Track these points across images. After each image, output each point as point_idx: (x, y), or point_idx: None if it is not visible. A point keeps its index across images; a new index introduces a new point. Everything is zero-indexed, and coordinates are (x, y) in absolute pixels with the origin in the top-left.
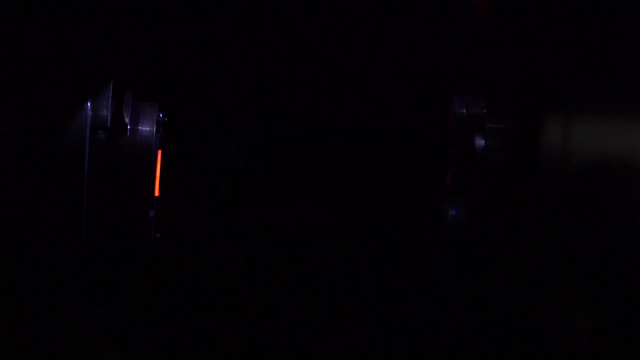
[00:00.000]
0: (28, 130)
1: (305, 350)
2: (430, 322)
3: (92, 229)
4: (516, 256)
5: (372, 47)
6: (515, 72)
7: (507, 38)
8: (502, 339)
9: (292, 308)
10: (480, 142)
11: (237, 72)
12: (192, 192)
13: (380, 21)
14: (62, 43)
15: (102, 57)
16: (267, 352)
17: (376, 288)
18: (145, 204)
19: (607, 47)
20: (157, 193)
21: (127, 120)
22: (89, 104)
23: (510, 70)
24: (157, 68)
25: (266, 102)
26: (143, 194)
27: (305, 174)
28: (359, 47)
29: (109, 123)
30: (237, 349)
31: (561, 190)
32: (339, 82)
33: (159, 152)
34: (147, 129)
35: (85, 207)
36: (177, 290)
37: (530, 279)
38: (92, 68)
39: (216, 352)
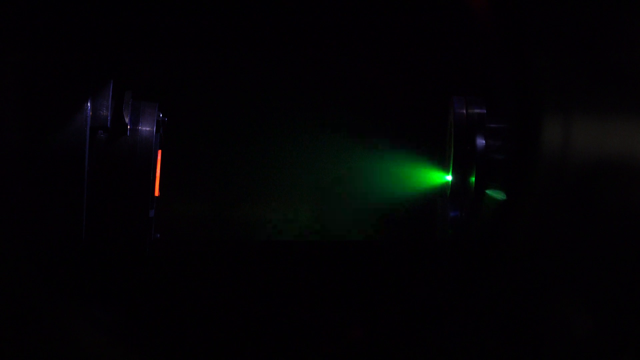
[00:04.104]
0: (28, 130)
1: (306, 350)
2: (431, 323)
3: (92, 229)
4: (516, 256)
5: (372, 47)
6: (515, 72)
7: (507, 38)
8: (502, 339)
9: (292, 308)
10: (480, 142)
11: (237, 72)
12: (192, 192)
13: (380, 21)
14: (62, 43)
15: (102, 57)
16: (267, 352)
17: (376, 288)
18: (145, 204)
19: (607, 47)
20: (157, 193)
21: (127, 120)
22: (89, 104)
23: (510, 70)
24: (157, 68)
25: (265, 101)
26: (143, 194)
27: (304, 172)
28: (359, 47)
29: (109, 123)
30: (237, 349)
31: (561, 190)
32: (338, 82)
33: (159, 152)
34: (147, 129)
35: (85, 207)
36: (178, 290)
37: (530, 279)
38: (92, 68)
39: (216, 352)
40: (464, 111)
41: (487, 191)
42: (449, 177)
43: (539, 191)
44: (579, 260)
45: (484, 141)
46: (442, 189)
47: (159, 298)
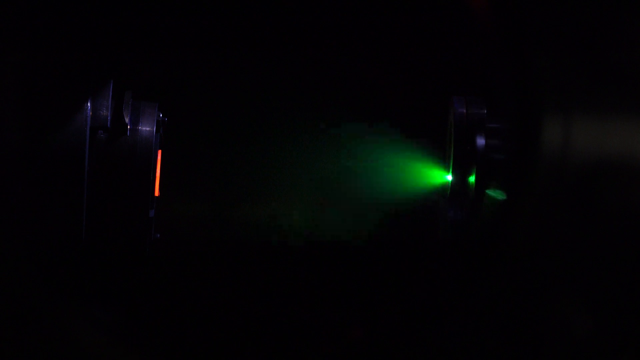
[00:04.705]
0: (28, 130)
1: (306, 350)
2: (430, 323)
3: (92, 229)
4: (516, 256)
5: (372, 47)
6: (515, 72)
7: (507, 38)
8: (502, 339)
9: (292, 308)
10: (480, 142)
11: (237, 72)
12: (192, 192)
13: (380, 21)
14: (62, 43)
15: (102, 57)
16: (267, 352)
17: (376, 288)
18: (145, 204)
19: (607, 47)
20: (157, 193)
21: (127, 120)
22: (89, 104)
23: (510, 70)
24: (157, 68)
25: (265, 101)
26: (143, 194)
27: (304, 172)
28: (359, 47)
29: (109, 123)
30: (237, 349)
31: (561, 190)
32: (338, 82)
33: (159, 152)
34: (147, 129)
35: (85, 207)
36: (178, 290)
37: (530, 279)
38: (92, 68)
39: (216, 352)
40: (464, 111)
41: (487, 191)
42: (449, 177)
43: (539, 191)
44: (579, 260)
45: (484, 141)
46: (443, 189)
47: (159, 298)
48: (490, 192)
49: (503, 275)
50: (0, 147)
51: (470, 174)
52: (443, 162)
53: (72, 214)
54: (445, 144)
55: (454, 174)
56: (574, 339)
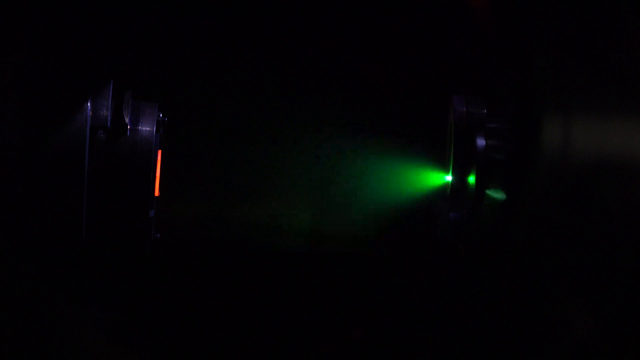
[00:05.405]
0: (28, 130)
1: (306, 350)
2: (430, 323)
3: (92, 229)
4: (516, 256)
5: (372, 47)
6: (515, 72)
7: (507, 38)
8: (502, 339)
9: (292, 308)
10: (480, 142)
11: (237, 72)
12: (192, 192)
13: (380, 21)
14: (62, 43)
15: (102, 57)
16: (267, 352)
17: (376, 288)
18: (145, 204)
19: (607, 47)
20: (157, 193)
21: (127, 120)
22: (89, 104)
23: (510, 70)
24: (157, 68)
25: (265, 101)
26: (143, 194)
27: (305, 173)
28: (359, 47)
29: (109, 123)
30: (238, 349)
31: (561, 190)
32: (338, 82)
33: (159, 152)
34: (147, 129)
35: (85, 207)
36: (178, 290)
37: (530, 279)
38: (92, 68)
39: (216, 352)
40: (464, 110)
41: (487, 191)
42: (449, 177)
43: (539, 191)
44: (579, 260)
45: (484, 141)
46: (442, 189)
47: (159, 298)
48: (490, 192)
49: (503, 275)
50: (0, 147)
51: (470, 174)
52: (443, 162)
53: (72, 214)
54: (445, 144)
55: (454, 174)
56: (574, 339)
